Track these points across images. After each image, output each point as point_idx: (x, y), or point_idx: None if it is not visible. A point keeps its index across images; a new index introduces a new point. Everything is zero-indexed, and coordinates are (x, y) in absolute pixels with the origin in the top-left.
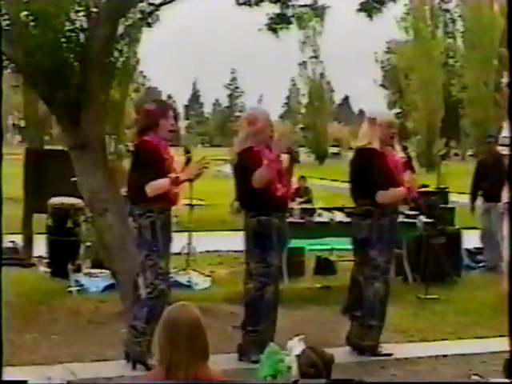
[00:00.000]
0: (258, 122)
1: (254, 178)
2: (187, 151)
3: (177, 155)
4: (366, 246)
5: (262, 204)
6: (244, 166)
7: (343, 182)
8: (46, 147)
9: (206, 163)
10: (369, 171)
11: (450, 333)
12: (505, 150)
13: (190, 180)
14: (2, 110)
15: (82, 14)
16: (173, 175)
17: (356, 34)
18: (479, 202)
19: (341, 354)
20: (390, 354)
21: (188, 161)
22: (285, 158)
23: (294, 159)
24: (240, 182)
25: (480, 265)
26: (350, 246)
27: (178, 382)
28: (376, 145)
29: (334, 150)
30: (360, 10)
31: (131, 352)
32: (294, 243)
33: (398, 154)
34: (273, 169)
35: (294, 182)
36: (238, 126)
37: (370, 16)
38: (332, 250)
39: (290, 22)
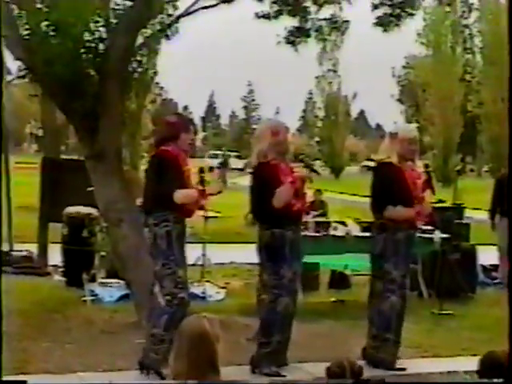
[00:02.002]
0: (279, 134)
1: (276, 198)
2: (201, 170)
3: (193, 166)
4: (382, 259)
5: (275, 217)
6: (260, 179)
7: (359, 196)
8: (63, 157)
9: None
10: (384, 186)
11: (463, 349)
12: None
13: (213, 194)
14: (2, 112)
15: (101, 24)
16: (200, 187)
17: (374, 48)
18: (497, 218)
19: None
20: (404, 369)
21: (202, 181)
22: (300, 170)
23: (314, 171)
24: (255, 195)
25: (495, 281)
26: (365, 263)
27: (182, 382)
28: (394, 159)
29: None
30: (376, 24)
31: (147, 359)
32: (309, 259)
33: (419, 170)
34: (294, 188)
35: (309, 195)
36: (257, 136)
37: (385, 30)
38: (347, 266)
39: (308, 36)
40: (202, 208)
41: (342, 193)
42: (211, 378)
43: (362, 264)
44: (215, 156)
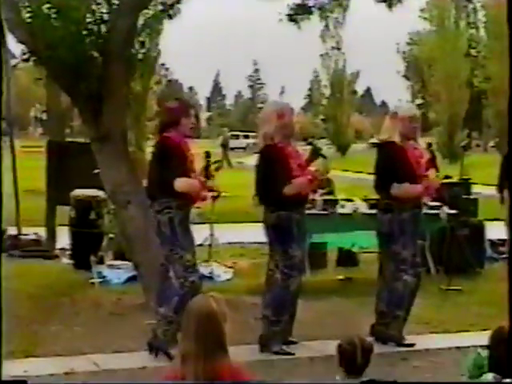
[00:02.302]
0: (285, 116)
1: (290, 187)
2: (208, 155)
3: (196, 148)
4: (389, 240)
5: (282, 200)
6: (267, 162)
7: (366, 173)
8: (68, 139)
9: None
10: (387, 165)
11: (472, 324)
12: None
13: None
14: (1, 102)
15: (103, 6)
16: (202, 178)
17: (378, 24)
18: (505, 193)
19: None
20: (413, 345)
21: (207, 166)
22: (307, 150)
23: (320, 155)
24: (261, 177)
25: (503, 256)
26: (373, 239)
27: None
28: (396, 139)
29: (375, 140)
30: (380, 1)
31: (155, 340)
32: (317, 238)
33: (421, 149)
34: (312, 183)
35: (317, 173)
36: (262, 118)
37: (389, 6)
38: (354, 244)
39: (311, 13)
40: (204, 199)
41: (348, 170)
42: (220, 357)
43: (370, 241)
44: (236, 137)
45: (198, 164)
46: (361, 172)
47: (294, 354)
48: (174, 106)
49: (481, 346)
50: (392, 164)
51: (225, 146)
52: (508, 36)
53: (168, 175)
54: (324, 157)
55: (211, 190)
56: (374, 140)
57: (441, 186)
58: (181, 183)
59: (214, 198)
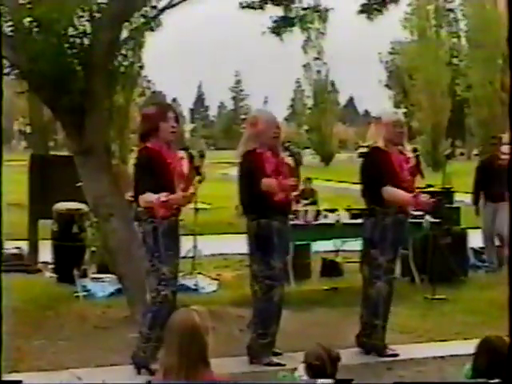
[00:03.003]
0: (259, 124)
1: (263, 184)
2: (201, 155)
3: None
4: (370, 245)
5: (261, 207)
6: (245, 168)
7: (350, 183)
8: (51, 153)
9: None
10: (371, 170)
11: (457, 333)
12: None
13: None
14: (2, 111)
15: (85, 18)
16: (163, 197)
17: (360, 34)
18: (481, 203)
19: (348, 355)
20: (397, 355)
21: (191, 162)
22: (289, 160)
23: (297, 161)
24: (241, 185)
25: (486, 264)
26: (356, 247)
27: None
28: (380, 144)
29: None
30: (361, 12)
31: (136, 357)
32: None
33: (408, 154)
34: (283, 187)
35: (299, 184)
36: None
37: (369, 18)
38: (338, 251)
39: (293, 25)
40: (178, 210)
41: (331, 180)
42: (202, 371)
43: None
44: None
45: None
46: (345, 182)
47: (285, 365)
48: (150, 111)
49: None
50: (376, 169)
51: (202, 156)
52: (508, 36)
53: (144, 187)
54: (299, 163)
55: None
56: (362, 150)
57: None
58: (141, 200)
59: (196, 209)
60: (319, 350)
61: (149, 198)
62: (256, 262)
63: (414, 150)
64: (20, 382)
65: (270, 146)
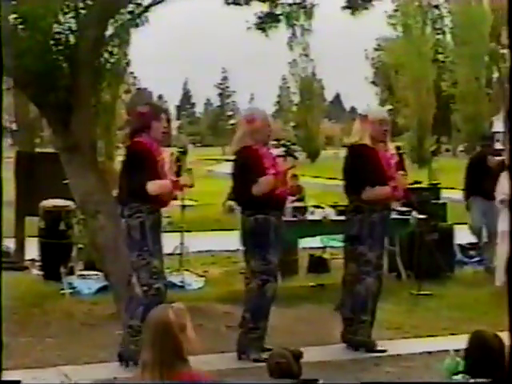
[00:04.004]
0: (255, 121)
1: (256, 186)
2: (178, 159)
3: (167, 157)
4: (357, 241)
5: (259, 203)
6: (242, 164)
7: (336, 179)
8: (37, 150)
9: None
10: (359, 167)
11: (443, 329)
12: (497, 145)
13: (186, 186)
14: (2, 113)
15: (70, 15)
16: (173, 178)
17: (345, 31)
18: (472, 198)
19: (335, 351)
20: (385, 351)
21: (178, 170)
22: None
23: (292, 155)
24: (237, 181)
25: (472, 260)
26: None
27: (162, 382)
28: (367, 141)
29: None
30: (346, 8)
31: (126, 351)
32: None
33: (391, 151)
34: (277, 178)
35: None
36: (236, 125)
37: (353, 13)
38: (325, 247)
39: (278, 21)
40: (175, 198)
41: (318, 177)
42: (179, 367)
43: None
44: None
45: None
46: (331, 178)
47: None
48: (144, 110)
49: (455, 351)
50: (363, 166)
51: (184, 152)
52: (508, 36)
53: (140, 179)
54: (295, 157)
55: (185, 186)
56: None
57: (410, 190)
58: (154, 185)
59: (183, 206)
60: (282, 350)
61: (161, 182)
62: (252, 257)
63: (397, 148)
64: (19, 382)
65: (264, 144)
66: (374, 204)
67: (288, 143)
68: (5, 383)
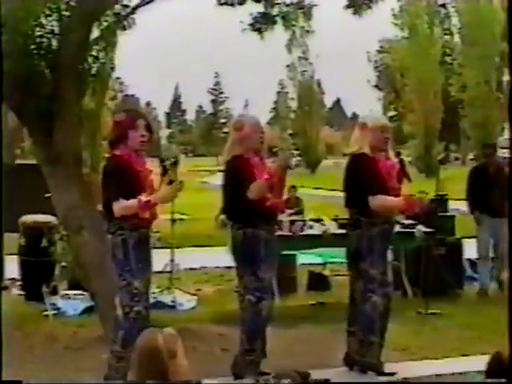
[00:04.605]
0: (244, 128)
1: (250, 190)
2: (164, 170)
3: (155, 167)
4: (358, 258)
5: (248, 215)
6: (231, 174)
7: (338, 190)
8: (18, 161)
9: (180, 186)
10: (358, 177)
11: (452, 349)
12: (506, 153)
13: (169, 201)
14: (2, 114)
15: (53, 17)
16: (143, 198)
17: (347, 32)
18: (476, 214)
19: (339, 374)
20: (394, 374)
21: (164, 172)
22: (276, 164)
23: (287, 165)
24: (226, 192)
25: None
26: (341, 255)
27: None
28: (366, 150)
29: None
30: (348, 7)
31: (109, 377)
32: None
33: (393, 160)
34: (271, 183)
35: (285, 192)
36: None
37: (356, 13)
38: (325, 263)
39: (274, 22)
40: (154, 217)
41: (319, 188)
42: None
43: (338, 255)
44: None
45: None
46: (332, 190)
47: None
48: (120, 118)
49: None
50: (363, 176)
51: (176, 163)
52: (508, 36)
53: (113, 196)
54: (290, 167)
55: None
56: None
57: (417, 209)
58: (117, 206)
59: (173, 220)
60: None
61: (127, 203)
62: (244, 273)
63: (397, 154)
64: (20, 382)
65: (256, 151)
66: (373, 217)
67: (280, 151)
68: (5, 383)
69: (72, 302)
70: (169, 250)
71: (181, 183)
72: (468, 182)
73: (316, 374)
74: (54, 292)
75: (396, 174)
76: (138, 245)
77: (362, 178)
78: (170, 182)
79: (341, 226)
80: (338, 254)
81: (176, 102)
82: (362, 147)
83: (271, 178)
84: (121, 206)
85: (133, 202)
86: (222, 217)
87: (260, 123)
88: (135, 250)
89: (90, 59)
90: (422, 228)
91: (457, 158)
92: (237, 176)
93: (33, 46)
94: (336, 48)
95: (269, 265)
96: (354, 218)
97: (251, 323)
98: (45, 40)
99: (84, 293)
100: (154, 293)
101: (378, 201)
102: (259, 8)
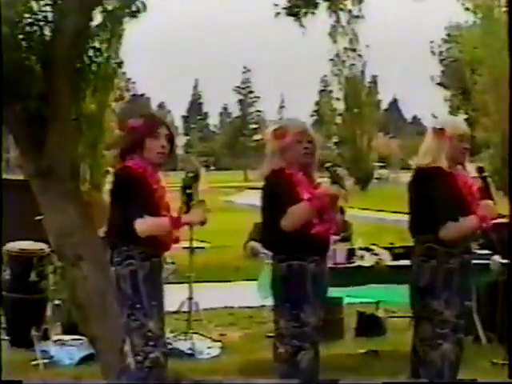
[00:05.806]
0: (286, 136)
1: (285, 218)
2: (185, 188)
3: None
4: (429, 295)
5: (293, 245)
6: (271, 193)
7: (394, 212)
8: (2, 176)
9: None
10: (433, 198)
11: None
12: None
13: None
14: (2, 116)
15: (45, 1)
16: (173, 214)
17: (405, 18)
18: None
19: None
20: None
21: (188, 201)
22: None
23: (338, 183)
24: (264, 215)
25: None
26: (400, 297)
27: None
28: (443, 163)
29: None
30: None
31: None
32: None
33: (470, 175)
34: (315, 206)
35: (339, 217)
36: (263, 141)
37: None
38: (378, 303)
39: (316, 5)
40: (176, 241)
41: (369, 209)
42: None
43: (396, 297)
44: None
45: (173, 203)
46: (386, 211)
47: None
48: (136, 124)
49: None
50: (440, 196)
51: (194, 178)
52: (508, 36)
53: (128, 215)
54: (344, 188)
55: (193, 224)
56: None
57: (491, 226)
58: (144, 224)
59: (191, 249)
60: None
61: (156, 220)
62: (282, 316)
63: (480, 170)
64: (20, 382)
65: (301, 166)
66: (452, 246)
67: (331, 165)
68: (6, 383)
69: (67, 349)
70: (186, 286)
71: (201, 202)
72: None
73: None
74: (46, 337)
75: (476, 193)
76: (149, 277)
77: (438, 199)
78: (187, 202)
79: (396, 257)
80: (394, 291)
81: (195, 104)
82: (437, 159)
83: (316, 199)
84: (148, 224)
85: (163, 218)
86: (253, 244)
87: (308, 130)
88: (146, 283)
89: (91, 52)
90: (498, 259)
91: None
92: (275, 195)
93: (21, 37)
94: (392, 37)
95: (315, 306)
96: (426, 246)
97: (287, 377)
98: (35, 28)
99: (82, 338)
100: (167, 338)
101: (453, 230)
102: None
